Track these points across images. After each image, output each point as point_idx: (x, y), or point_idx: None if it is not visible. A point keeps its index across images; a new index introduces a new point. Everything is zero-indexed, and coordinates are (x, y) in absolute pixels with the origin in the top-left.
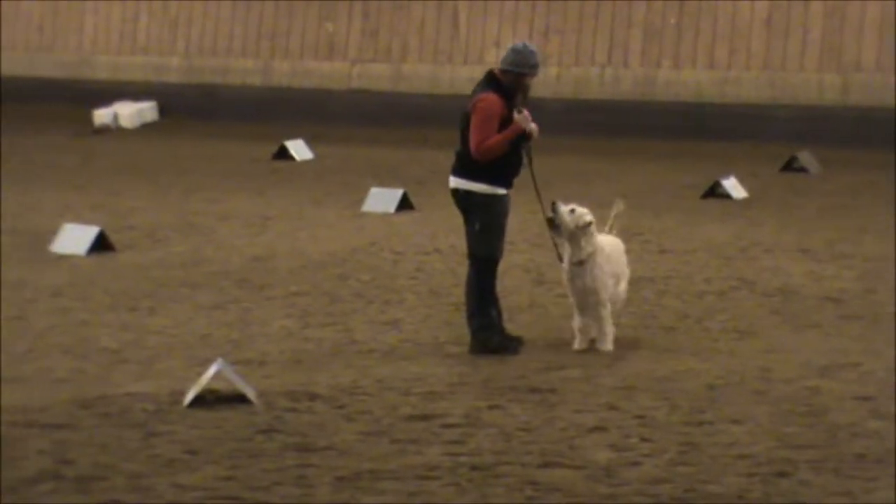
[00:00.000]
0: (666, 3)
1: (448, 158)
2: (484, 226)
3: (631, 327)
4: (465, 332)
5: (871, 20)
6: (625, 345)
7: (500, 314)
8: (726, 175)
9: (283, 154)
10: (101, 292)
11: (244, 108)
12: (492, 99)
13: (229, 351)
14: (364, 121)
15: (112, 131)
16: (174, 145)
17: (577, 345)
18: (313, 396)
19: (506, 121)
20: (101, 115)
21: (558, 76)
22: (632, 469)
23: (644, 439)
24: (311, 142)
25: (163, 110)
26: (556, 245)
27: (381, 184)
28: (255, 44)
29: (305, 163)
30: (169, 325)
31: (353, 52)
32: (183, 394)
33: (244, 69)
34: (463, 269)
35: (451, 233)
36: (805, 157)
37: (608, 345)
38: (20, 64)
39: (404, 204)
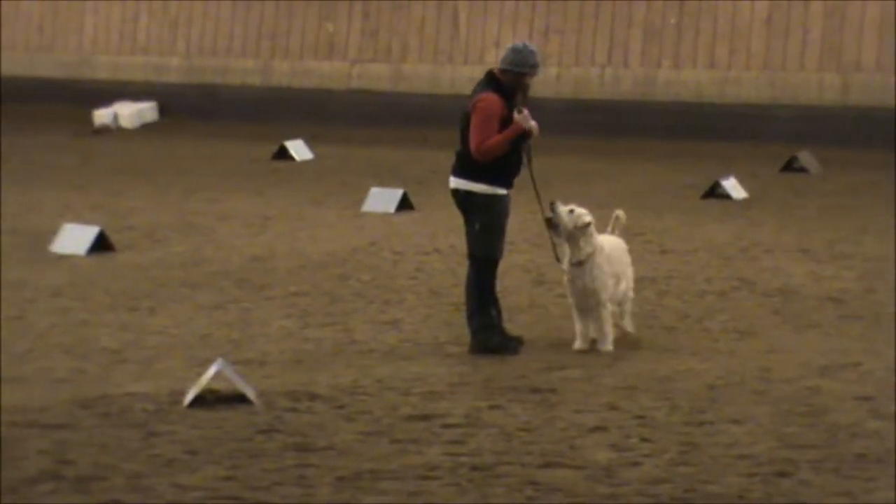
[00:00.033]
0: (666, 3)
1: (448, 158)
2: (484, 226)
3: (619, 326)
4: (465, 332)
5: (871, 20)
6: (625, 345)
7: (499, 314)
8: (726, 175)
9: (282, 154)
10: (100, 292)
11: (244, 108)
12: (492, 99)
13: (229, 351)
14: (364, 121)
15: (112, 131)
16: (174, 145)
17: (577, 345)
18: (313, 396)
19: (506, 120)
20: (101, 116)
21: (558, 76)
22: (632, 469)
23: (644, 439)
24: (310, 142)
25: (163, 110)
26: (553, 245)
27: (381, 184)
28: (255, 44)
29: (305, 163)
30: (169, 325)
31: (352, 52)
32: (183, 394)
33: (244, 69)
34: (463, 269)
35: (451, 233)
36: (805, 158)
37: (608, 345)
38: (20, 64)
39: (404, 204)
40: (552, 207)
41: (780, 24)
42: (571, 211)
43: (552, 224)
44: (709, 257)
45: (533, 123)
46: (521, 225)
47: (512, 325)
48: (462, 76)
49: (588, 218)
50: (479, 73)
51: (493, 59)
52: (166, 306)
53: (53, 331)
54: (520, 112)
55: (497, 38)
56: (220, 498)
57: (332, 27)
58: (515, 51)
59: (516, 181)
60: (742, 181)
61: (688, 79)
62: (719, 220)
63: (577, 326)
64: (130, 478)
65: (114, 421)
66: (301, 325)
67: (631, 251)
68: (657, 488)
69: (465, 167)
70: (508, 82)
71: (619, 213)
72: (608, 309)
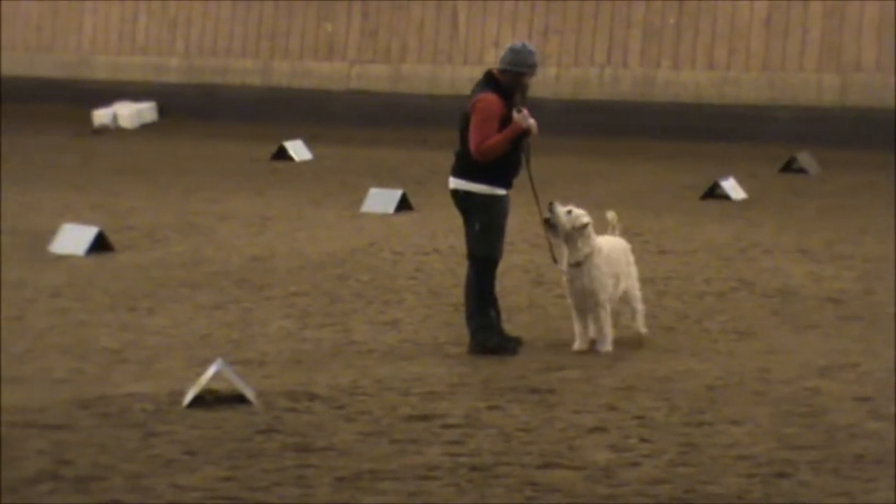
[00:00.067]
0: (665, 3)
1: (447, 159)
2: (483, 226)
3: (631, 328)
4: (464, 333)
5: (871, 20)
6: (624, 345)
7: (498, 314)
8: (725, 176)
9: (282, 154)
10: (100, 292)
11: (244, 109)
12: (491, 99)
13: (229, 351)
14: (363, 121)
15: (111, 131)
16: (174, 145)
17: (576, 346)
18: (313, 396)
19: (505, 120)
20: (101, 116)
21: (558, 76)
22: (631, 470)
23: (643, 440)
24: (310, 142)
25: (162, 110)
26: (550, 246)
27: (381, 184)
28: (255, 44)
29: (304, 163)
30: (169, 325)
31: (352, 53)
32: (182, 394)
33: (244, 69)
34: (462, 269)
35: (451, 233)
36: (804, 158)
37: (607, 346)
38: (20, 64)
39: (403, 204)
40: (550, 208)
41: (779, 24)
42: (569, 212)
43: (550, 225)
44: (708, 258)
45: (532, 122)
46: (520, 225)
47: (511, 326)
48: (461, 76)
49: (586, 219)
50: (478, 73)
51: (493, 60)
52: (166, 306)
53: (53, 331)
54: (519, 112)
55: (496, 39)
56: (219, 498)
57: (332, 27)
58: (514, 51)
59: (516, 181)
60: (741, 182)
61: (687, 79)
62: (718, 220)
63: (577, 327)
64: (130, 478)
65: (113, 421)
66: (300, 326)
67: (631, 251)
68: (656, 489)
69: (464, 167)
70: (507, 82)
71: (611, 214)
72: (607, 310)
